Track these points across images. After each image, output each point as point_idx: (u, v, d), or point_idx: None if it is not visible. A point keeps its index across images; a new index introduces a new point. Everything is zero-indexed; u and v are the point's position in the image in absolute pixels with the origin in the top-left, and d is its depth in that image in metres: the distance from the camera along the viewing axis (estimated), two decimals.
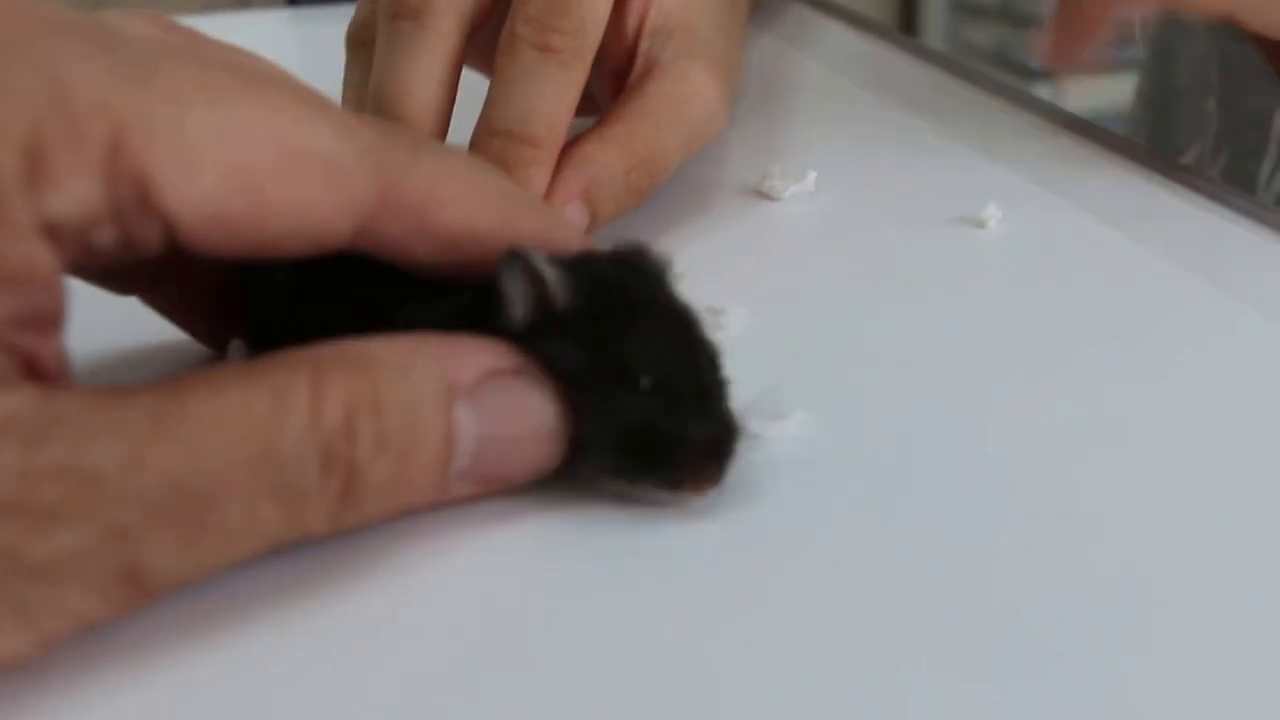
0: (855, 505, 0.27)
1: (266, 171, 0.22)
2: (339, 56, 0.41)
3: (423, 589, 0.24)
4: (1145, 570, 0.25)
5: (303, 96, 0.23)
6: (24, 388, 0.20)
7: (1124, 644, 0.23)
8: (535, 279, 0.25)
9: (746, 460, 0.26)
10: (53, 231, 0.21)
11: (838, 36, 0.67)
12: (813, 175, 0.45)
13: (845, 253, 0.41)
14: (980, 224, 0.42)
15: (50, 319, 0.21)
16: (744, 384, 0.30)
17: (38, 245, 0.21)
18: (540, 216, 0.27)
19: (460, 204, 0.25)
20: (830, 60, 0.63)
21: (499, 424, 0.23)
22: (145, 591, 0.21)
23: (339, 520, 0.22)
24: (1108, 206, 0.44)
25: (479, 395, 0.23)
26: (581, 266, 0.26)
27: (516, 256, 0.25)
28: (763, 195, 0.45)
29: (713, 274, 0.38)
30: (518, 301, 0.25)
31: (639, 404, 0.25)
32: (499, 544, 0.25)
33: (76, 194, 0.21)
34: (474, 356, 0.23)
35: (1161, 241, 0.42)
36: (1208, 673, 0.22)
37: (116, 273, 0.28)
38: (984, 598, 0.24)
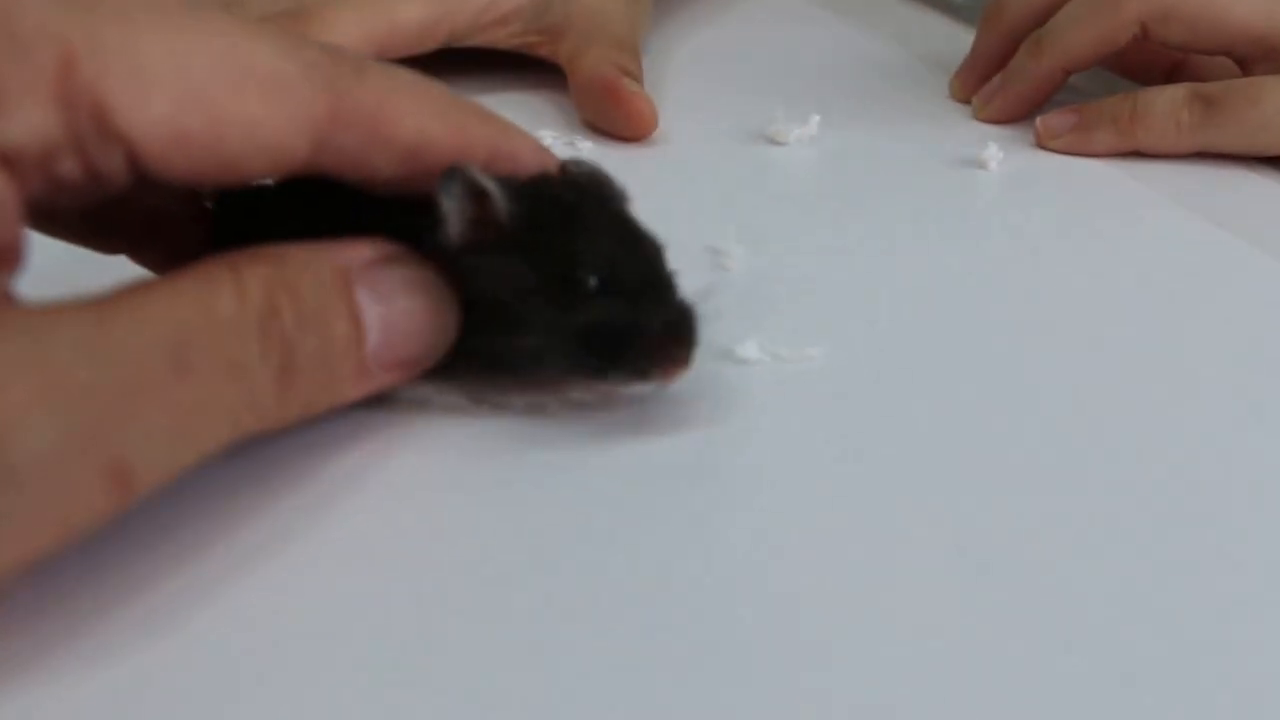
0: (853, 430, 0.28)
1: (218, 90, 0.23)
2: None
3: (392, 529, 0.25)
4: (1141, 487, 0.26)
5: (243, 20, 0.24)
6: None
7: (1116, 573, 0.24)
8: (476, 194, 0.25)
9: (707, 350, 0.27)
10: (8, 162, 0.21)
11: None
12: (816, 119, 0.45)
13: (848, 194, 0.41)
14: (982, 165, 0.43)
15: (5, 255, 0.21)
16: (742, 319, 0.31)
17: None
18: (492, 125, 0.27)
19: (411, 114, 0.25)
20: (835, 5, 0.63)
21: (395, 300, 0.25)
22: (128, 486, 0.21)
23: (285, 402, 0.23)
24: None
25: (371, 277, 0.25)
26: (526, 184, 0.26)
27: (455, 172, 0.25)
28: (768, 139, 0.45)
29: (716, 215, 0.39)
30: (454, 219, 0.25)
31: (592, 303, 0.26)
32: (489, 480, 0.26)
33: (30, 120, 0.21)
34: (358, 249, 0.25)
35: (1158, 181, 0.42)
36: (1198, 592, 0.23)
37: (97, 223, 0.28)
38: (981, 512, 0.25)
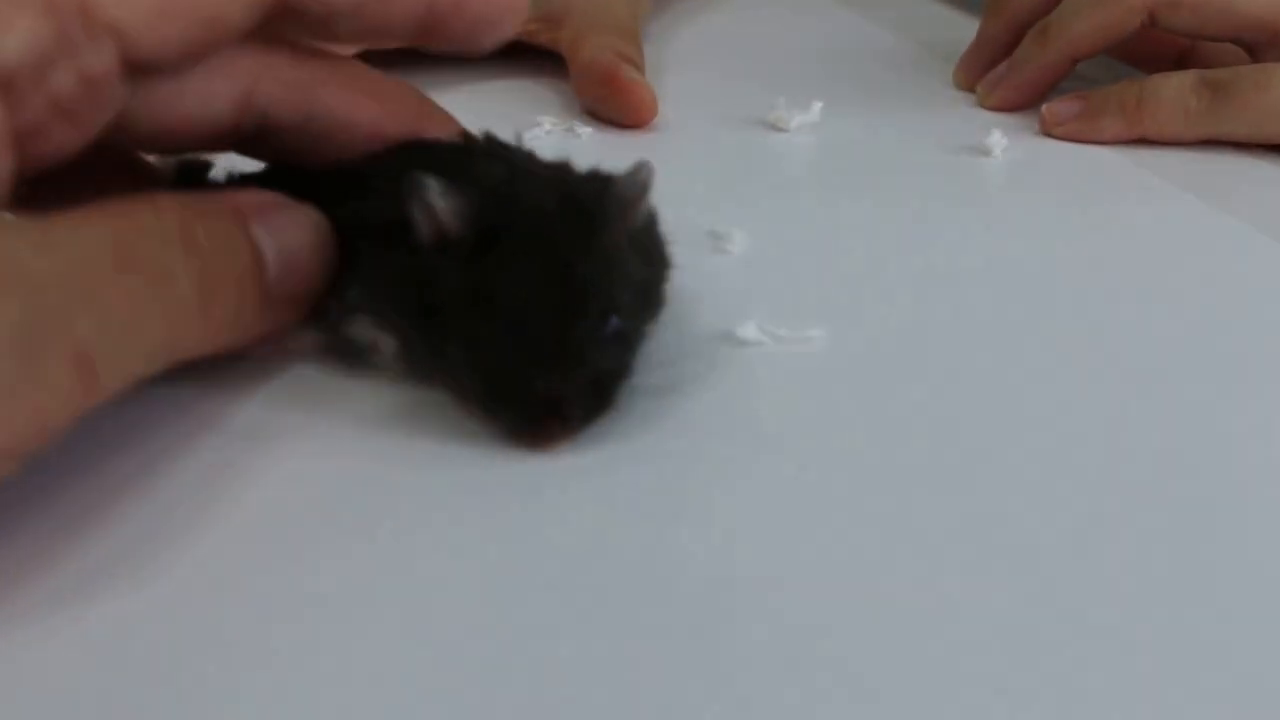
0: (854, 413, 0.27)
1: None
2: None
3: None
4: (1144, 472, 0.25)
5: None
6: None
7: (1113, 560, 0.23)
8: (428, 208, 0.25)
9: (603, 422, 0.26)
10: (2, 85, 0.22)
11: None
12: (818, 106, 0.45)
13: (849, 180, 0.41)
14: (985, 152, 0.43)
15: None
16: (743, 301, 0.31)
17: None
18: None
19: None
20: None
21: (287, 236, 0.26)
22: (93, 375, 0.21)
23: (207, 316, 0.24)
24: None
25: (264, 216, 0.26)
26: (497, 191, 0.26)
27: (415, 186, 0.25)
28: (770, 126, 0.45)
29: (716, 200, 0.39)
30: (421, 226, 0.25)
31: (496, 341, 0.24)
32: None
33: (23, 35, 0.22)
34: (250, 194, 0.26)
35: (1164, 168, 0.42)
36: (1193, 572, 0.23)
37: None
38: (981, 497, 0.24)
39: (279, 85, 0.27)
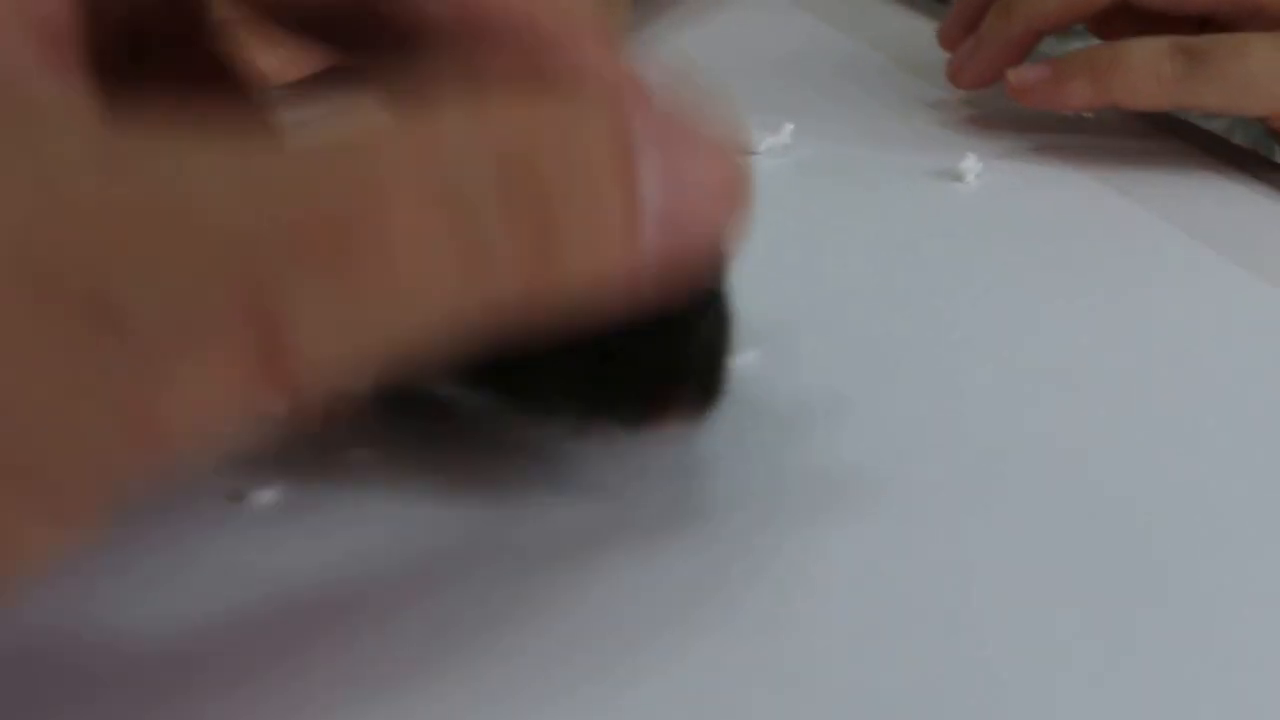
0: (815, 447, 0.27)
1: None
2: None
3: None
4: (1118, 501, 0.25)
5: None
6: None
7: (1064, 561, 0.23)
8: None
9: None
10: None
11: None
12: (789, 128, 0.44)
13: (816, 208, 0.40)
14: (958, 177, 0.41)
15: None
16: None
17: None
18: None
19: None
20: (822, 9, 0.62)
21: (692, 173, 0.18)
22: (284, 365, 0.15)
23: (534, 276, 0.16)
24: (1090, 160, 0.43)
25: (666, 137, 0.18)
26: None
27: None
28: (749, 151, 0.44)
29: None
30: None
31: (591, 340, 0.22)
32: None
33: None
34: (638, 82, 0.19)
35: (1142, 194, 0.41)
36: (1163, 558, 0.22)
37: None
38: (946, 528, 0.24)
39: None
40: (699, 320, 0.24)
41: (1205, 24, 0.43)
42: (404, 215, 0.15)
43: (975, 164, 0.42)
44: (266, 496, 0.24)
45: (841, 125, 0.46)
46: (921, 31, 0.56)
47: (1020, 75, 0.43)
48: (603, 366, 0.23)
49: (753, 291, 0.33)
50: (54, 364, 0.14)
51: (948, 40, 0.48)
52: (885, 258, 0.36)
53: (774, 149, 0.44)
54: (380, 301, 0.15)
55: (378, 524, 0.23)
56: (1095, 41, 0.45)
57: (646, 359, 0.23)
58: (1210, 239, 0.38)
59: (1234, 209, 0.40)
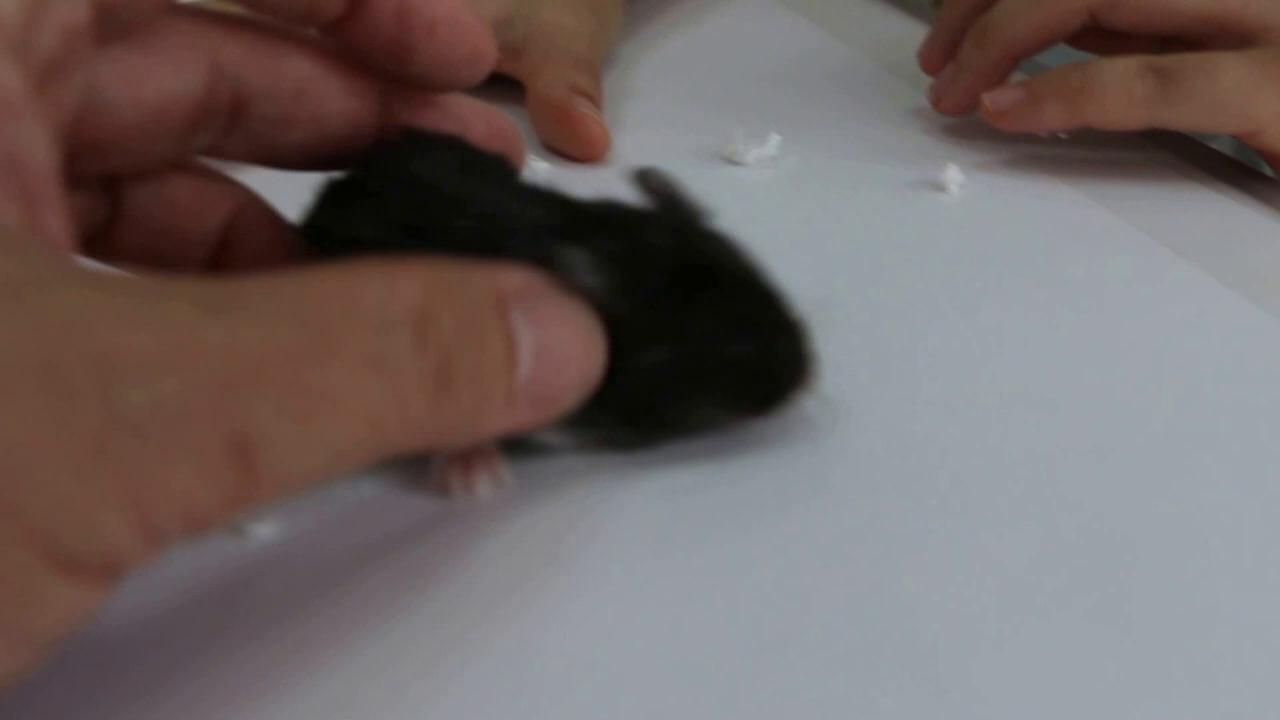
0: (798, 460, 0.27)
1: None
2: None
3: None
4: (1105, 515, 0.25)
5: None
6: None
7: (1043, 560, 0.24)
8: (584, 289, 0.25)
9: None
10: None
11: None
12: (776, 139, 0.45)
13: (803, 220, 0.41)
14: (941, 188, 0.42)
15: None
16: None
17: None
18: None
19: None
20: (816, 13, 0.62)
21: (548, 329, 0.23)
22: (252, 465, 0.18)
23: (436, 412, 0.21)
24: (1071, 171, 0.44)
25: (527, 303, 0.23)
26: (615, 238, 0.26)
27: (563, 270, 0.25)
28: (727, 159, 0.45)
29: None
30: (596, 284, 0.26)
31: (730, 350, 0.27)
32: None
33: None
34: (511, 274, 0.23)
35: (1122, 206, 0.42)
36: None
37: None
38: (928, 549, 0.24)
39: (244, 49, 0.25)
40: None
41: (1173, 42, 0.43)
42: (344, 366, 0.19)
43: (958, 175, 0.42)
44: (265, 531, 0.25)
45: (827, 135, 0.47)
46: (910, 34, 0.57)
47: (995, 99, 0.43)
48: (742, 369, 0.27)
49: None
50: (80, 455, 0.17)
51: (927, 64, 0.49)
52: (868, 268, 0.37)
53: (761, 160, 0.44)
54: (325, 427, 0.19)
55: (374, 558, 0.24)
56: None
57: (783, 354, 0.28)
58: (1187, 249, 0.38)
59: (1212, 219, 0.41)
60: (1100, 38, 0.44)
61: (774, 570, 0.24)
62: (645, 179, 0.29)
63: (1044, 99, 0.42)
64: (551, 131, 0.44)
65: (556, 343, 0.23)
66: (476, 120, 0.29)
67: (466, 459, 0.26)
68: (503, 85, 0.48)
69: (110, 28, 0.23)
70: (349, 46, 0.27)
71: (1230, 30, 0.41)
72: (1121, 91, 0.41)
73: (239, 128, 0.26)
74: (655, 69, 0.54)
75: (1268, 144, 0.41)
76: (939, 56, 0.48)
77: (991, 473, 0.27)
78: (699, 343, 0.26)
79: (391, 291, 0.20)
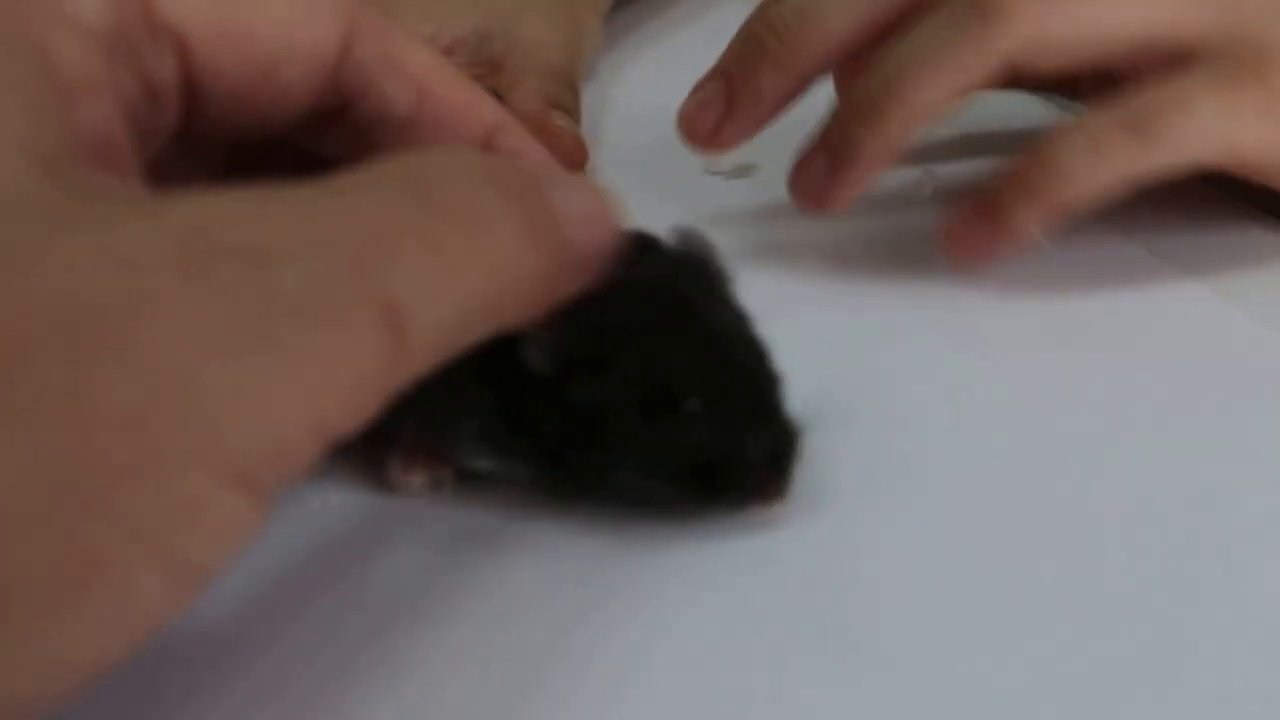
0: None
1: None
2: None
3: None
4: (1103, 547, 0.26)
5: None
6: None
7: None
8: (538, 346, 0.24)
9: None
10: (94, 40, 0.21)
11: None
12: (754, 149, 0.45)
13: (781, 230, 0.41)
14: (921, 197, 0.42)
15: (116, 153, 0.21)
16: None
17: (88, 46, 0.21)
18: (485, 105, 0.27)
19: (415, 50, 0.26)
20: None
21: (576, 196, 0.24)
22: (402, 328, 0.19)
23: (525, 260, 0.21)
24: None
25: (550, 176, 0.24)
26: (614, 287, 0.24)
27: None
28: (707, 170, 0.45)
29: None
30: (539, 363, 0.25)
31: (690, 428, 0.25)
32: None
33: (88, 3, 0.21)
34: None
35: (1110, 215, 0.42)
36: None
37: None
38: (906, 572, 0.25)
39: (371, 40, 0.25)
40: (785, 399, 0.26)
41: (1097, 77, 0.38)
42: (456, 225, 0.20)
43: (938, 184, 0.43)
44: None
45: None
46: None
47: (954, 233, 0.36)
48: (708, 462, 0.25)
49: None
50: None
51: (714, 137, 0.39)
52: (845, 280, 0.37)
53: (740, 170, 0.45)
54: (454, 282, 0.20)
55: (346, 564, 0.24)
56: None
57: (754, 452, 0.25)
58: (1167, 254, 0.39)
59: (1196, 224, 0.41)
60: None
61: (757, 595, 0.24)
62: (682, 239, 0.28)
63: (1004, 209, 0.35)
64: None
65: (586, 205, 0.24)
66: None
67: (410, 456, 0.26)
68: None
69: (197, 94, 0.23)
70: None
71: (1165, 51, 0.35)
72: (1094, 163, 0.35)
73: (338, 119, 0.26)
74: (634, 80, 0.55)
75: (1251, 163, 0.36)
76: (735, 131, 0.39)
77: (977, 481, 0.28)
78: (654, 406, 0.25)
79: (460, 152, 0.21)
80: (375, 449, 0.26)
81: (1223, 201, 0.43)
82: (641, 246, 0.26)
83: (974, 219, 0.36)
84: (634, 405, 0.25)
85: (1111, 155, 0.35)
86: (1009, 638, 0.23)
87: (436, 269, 0.19)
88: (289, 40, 0.24)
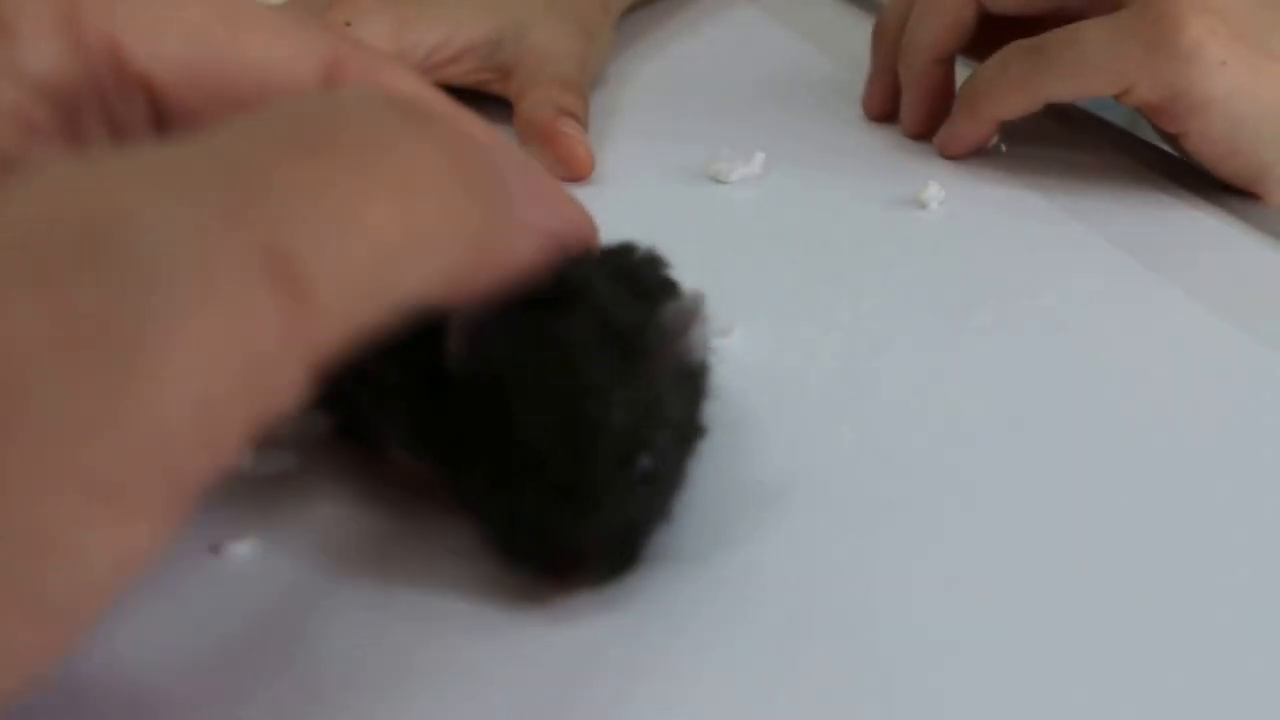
0: (785, 479, 0.28)
1: (220, 28, 0.22)
2: None
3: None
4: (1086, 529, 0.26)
5: None
6: None
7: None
8: (452, 334, 0.23)
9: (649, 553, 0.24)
10: (44, 90, 0.20)
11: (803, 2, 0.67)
12: (760, 157, 0.45)
13: (785, 239, 0.41)
14: (922, 205, 0.43)
15: None
16: None
17: (30, 95, 0.20)
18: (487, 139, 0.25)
19: (401, 79, 0.24)
20: (809, 30, 0.63)
21: (512, 159, 0.23)
22: (297, 284, 0.15)
23: (471, 204, 0.19)
24: (1049, 186, 0.45)
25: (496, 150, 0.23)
26: (530, 314, 0.23)
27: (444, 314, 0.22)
28: (712, 178, 0.45)
29: None
30: (447, 352, 0.23)
31: (513, 479, 0.22)
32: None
33: (47, 53, 0.20)
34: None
35: (1103, 222, 0.42)
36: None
37: None
38: (894, 563, 0.25)
39: (354, 71, 0.23)
40: (622, 495, 0.23)
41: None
42: (352, 159, 0.17)
43: (939, 192, 0.43)
44: (243, 549, 0.25)
45: (811, 153, 0.47)
46: None
47: (937, 137, 0.47)
48: (514, 520, 0.23)
49: (722, 316, 0.35)
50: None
51: (872, 107, 0.51)
52: (849, 286, 0.38)
53: (746, 178, 0.45)
54: (362, 231, 0.16)
55: (348, 576, 0.25)
56: None
57: (554, 532, 0.22)
58: (1162, 265, 0.39)
59: (1191, 237, 0.42)
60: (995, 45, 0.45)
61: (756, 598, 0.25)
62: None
63: (955, 118, 0.46)
64: (536, 152, 0.45)
65: (542, 187, 0.23)
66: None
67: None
68: (492, 105, 0.49)
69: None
70: None
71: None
72: (1002, 79, 0.43)
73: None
74: (642, 87, 0.55)
75: (1142, 97, 0.41)
76: (882, 99, 0.51)
77: (968, 490, 0.28)
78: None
79: (375, 92, 0.18)
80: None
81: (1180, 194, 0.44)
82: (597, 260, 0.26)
83: (946, 128, 0.47)
84: (496, 443, 0.22)
85: (1016, 75, 0.43)
86: (1007, 639, 0.24)
87: (332, 213, 0.16)
88: (266, 79, 0.22)
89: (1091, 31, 0.41)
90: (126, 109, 0.22)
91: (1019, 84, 0.43)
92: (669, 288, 0.27)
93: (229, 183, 0.15)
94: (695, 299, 0.25)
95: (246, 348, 0.15)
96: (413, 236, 0.17)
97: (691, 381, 0.25)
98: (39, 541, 0.14)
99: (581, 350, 0.23)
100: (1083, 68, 0.42)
